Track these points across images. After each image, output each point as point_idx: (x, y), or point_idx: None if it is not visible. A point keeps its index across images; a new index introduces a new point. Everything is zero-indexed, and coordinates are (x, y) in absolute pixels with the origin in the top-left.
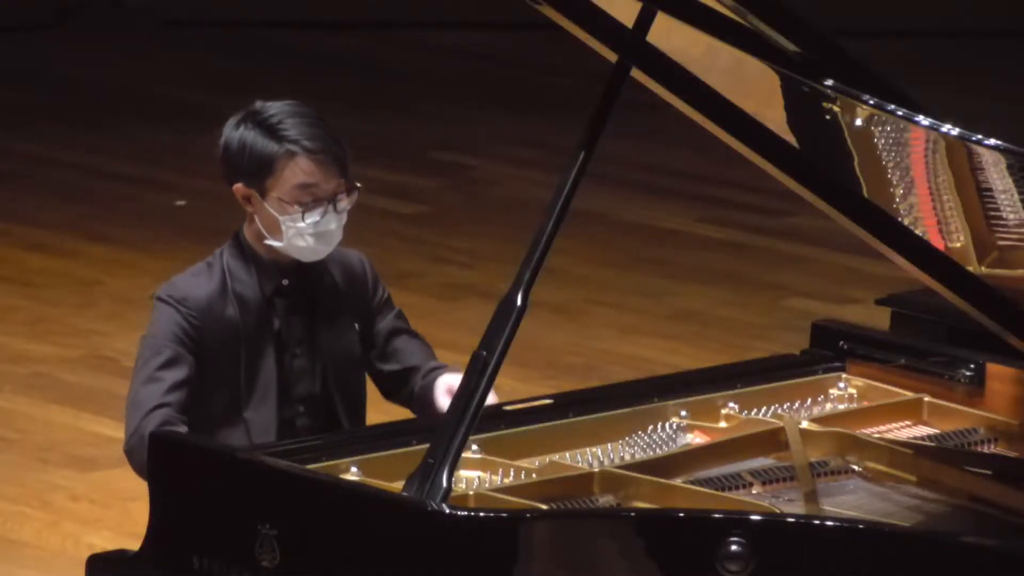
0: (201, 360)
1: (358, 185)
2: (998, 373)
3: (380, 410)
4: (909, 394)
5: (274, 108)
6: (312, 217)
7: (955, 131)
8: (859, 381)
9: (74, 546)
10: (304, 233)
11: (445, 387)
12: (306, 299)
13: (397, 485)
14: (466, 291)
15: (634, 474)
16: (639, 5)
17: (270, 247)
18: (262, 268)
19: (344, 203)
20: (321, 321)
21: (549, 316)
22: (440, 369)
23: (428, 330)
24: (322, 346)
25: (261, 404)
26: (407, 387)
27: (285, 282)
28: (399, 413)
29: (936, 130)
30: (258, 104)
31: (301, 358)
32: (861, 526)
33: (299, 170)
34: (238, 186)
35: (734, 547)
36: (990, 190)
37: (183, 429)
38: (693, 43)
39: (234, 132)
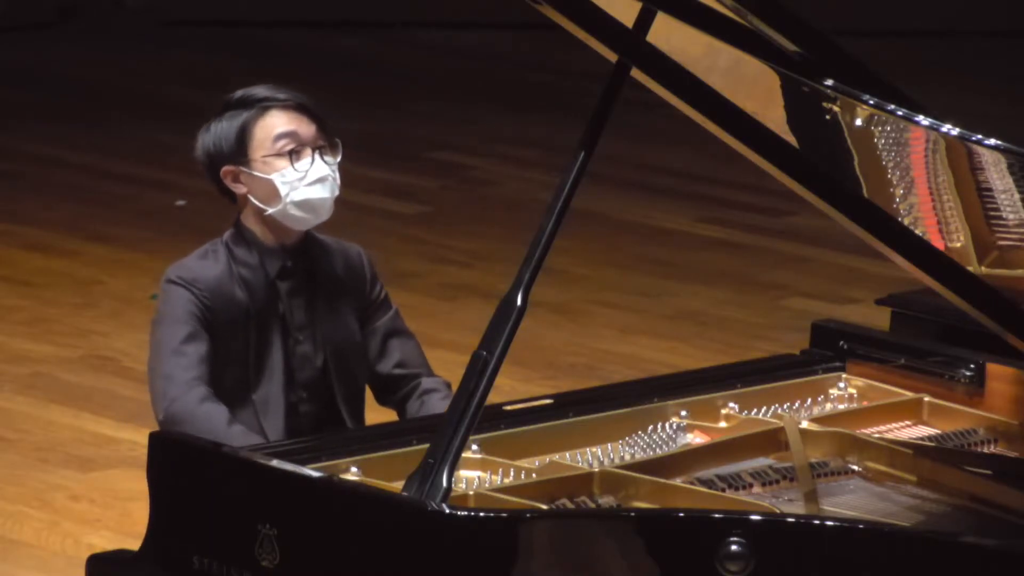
0: (213, 339)
1: (337, 140)
2: (998, 373)
3: (380, 409)
4: (909, 394)
5: (235, 92)
6: (302, 164)
7: (955, 131)
8: (859, 381)
9: (74, 546)
10: (300, 186)
11: None
12: (308, 281)
13: (397, 485)
14: (466, 291)
15: (634, 474)
16: (639, 5)
17: (269, 229)
18: (264, 251)
19: (329, 155)
20: (322, 307)
21: (549, 316)
22: (437, 392)
23: (428, 330)
24: (324, 333)
25: (269, 386)
26: (399, 393)
27: (288, 263)
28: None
29: (936, 130)
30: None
31: (304, 344)
32: (861, 526)
33: (274, 122)
34: (225, 169)
35: (734, 547)
36: (990, 190)
37: (223, 407)
38: (693, 43)
39: (205, 133)
